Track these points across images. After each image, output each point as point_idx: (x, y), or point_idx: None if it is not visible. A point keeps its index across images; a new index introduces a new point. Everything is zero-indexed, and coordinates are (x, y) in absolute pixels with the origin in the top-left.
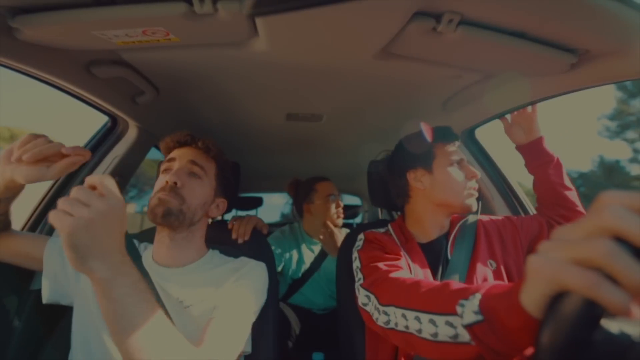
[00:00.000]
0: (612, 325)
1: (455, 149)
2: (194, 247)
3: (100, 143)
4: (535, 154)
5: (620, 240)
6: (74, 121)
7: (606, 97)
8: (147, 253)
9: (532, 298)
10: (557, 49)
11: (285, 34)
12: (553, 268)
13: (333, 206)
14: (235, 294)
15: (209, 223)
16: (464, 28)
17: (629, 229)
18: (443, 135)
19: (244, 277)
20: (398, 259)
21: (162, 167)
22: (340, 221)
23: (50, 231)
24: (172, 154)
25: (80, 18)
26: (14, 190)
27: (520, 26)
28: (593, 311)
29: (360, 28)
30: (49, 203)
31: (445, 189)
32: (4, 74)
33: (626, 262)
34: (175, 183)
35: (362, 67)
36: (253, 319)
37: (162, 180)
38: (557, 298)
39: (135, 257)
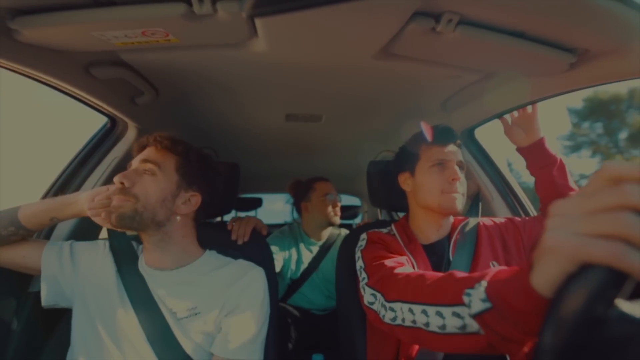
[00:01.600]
0: (626, 305)
1: (441, 149)
2: (179, 249)
3: (100, 144)
4: (537, 156)
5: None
6: (72, 122)
7: (564, 120)
8: (140, 257)
9: (547, 276)
10: (556, 48)
11: (284, 35)
12: (576, 242)
13: (330, 205)
14: (239, 330)
15: (198, 223)
16: (463, 28)
17: None
18: (428, 136)
19: (245, 300)
20: (402, 257)
21: None
22: (337, 219)
23: (48, 234)
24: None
25: (79, 19)
26: (74, 218)
27: (520, 26)
28: (613, 284)
29: (360, 28)
30: None
31: (423, 192)
32: (3, 75)
33: None
34: (122, 184)
35: (362, 67)
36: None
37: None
38: (569, 276)
39: (133, 258)
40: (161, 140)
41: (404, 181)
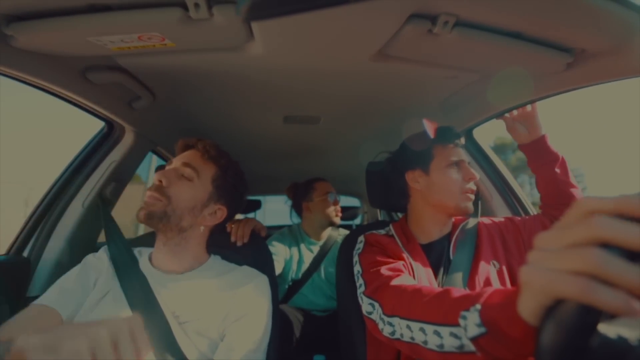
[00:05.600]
0: (609, 330)
1: (455, 150)
2: (191, 255)
3: (97, 149)
4: (539, 153)
5: (607, 245)
6: (70, 127)
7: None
8: (144, 258)
9: (528, 308)
10: (553, 48)
11: (281, 38)
12: (546, 278)
13: (332, 204)
14: (243, 337)
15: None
16: (460, 29)
17: (619, 236)
18: (443, 136)
19: (251, 308)
20: (399, 262)
21: None
22: (338, 219)
23: (48, 236)
24: (174, 159)
25: (75, 24)
26: None
27: (516, 26)
28: (589, 317)
29: (356, 31)
30: (39, 218)
31: (440, 191)
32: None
33: (619, 266)
34: (160, 181)
35: (359, 69)
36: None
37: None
38: (553, 306)
39: (133, 260)
40: (208, 149)
41: (414, 178)
